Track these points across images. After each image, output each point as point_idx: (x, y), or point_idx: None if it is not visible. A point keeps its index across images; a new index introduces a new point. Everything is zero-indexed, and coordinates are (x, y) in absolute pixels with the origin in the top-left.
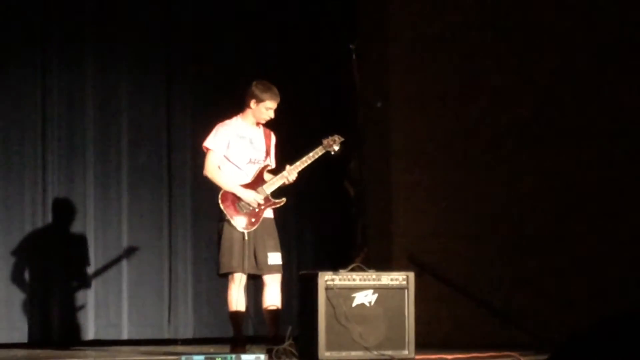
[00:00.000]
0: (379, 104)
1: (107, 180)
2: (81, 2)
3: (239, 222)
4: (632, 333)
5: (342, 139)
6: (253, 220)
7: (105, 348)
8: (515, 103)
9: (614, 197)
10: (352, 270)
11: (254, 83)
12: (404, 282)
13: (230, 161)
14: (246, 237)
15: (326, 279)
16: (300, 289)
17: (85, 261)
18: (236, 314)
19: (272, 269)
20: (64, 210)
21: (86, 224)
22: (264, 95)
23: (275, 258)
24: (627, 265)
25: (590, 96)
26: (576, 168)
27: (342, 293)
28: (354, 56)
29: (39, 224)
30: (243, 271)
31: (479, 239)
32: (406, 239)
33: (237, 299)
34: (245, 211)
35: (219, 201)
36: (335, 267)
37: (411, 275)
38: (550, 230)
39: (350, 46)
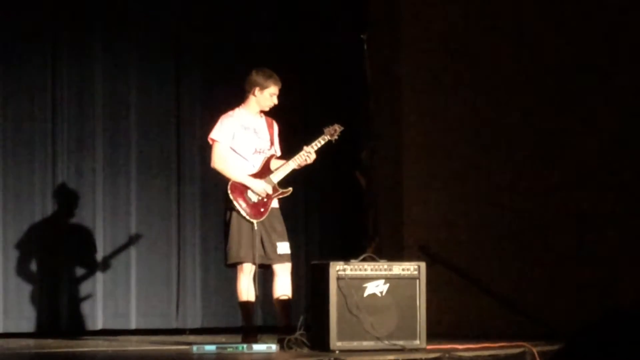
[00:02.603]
0: (362, 36)
1: (116, 171)
2: None
3: (248, 212)
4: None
5: (342, 128)
6: (262, 210)
7: (115, 338)
8: (528, 93)
9: (625, 185)
10: (364, 260)
11: (254, 71)
12: (416, 272)
13: (236, 152)
14: (255, 227)
15: (337, 269)
16: (311, 279)
17: (93, 252)
18: (246, 304)
19: (281, 259)
20: (73, 201)
21: (95, 215)
22: (267, 82)
23: (284, 247)
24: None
25: (599, 90)
26: (589, 157)
27: (354, 283)
28: (365, 46)
29: (49, 214)
30: (252, 261)
31: (490, 229)
32: (417, 229)
33: (247, 289)
34: (254, 201)
35: (228, 191)
36: (346, 257)
37: (422, 265)
38: (563, 221)
39: (362, 36)
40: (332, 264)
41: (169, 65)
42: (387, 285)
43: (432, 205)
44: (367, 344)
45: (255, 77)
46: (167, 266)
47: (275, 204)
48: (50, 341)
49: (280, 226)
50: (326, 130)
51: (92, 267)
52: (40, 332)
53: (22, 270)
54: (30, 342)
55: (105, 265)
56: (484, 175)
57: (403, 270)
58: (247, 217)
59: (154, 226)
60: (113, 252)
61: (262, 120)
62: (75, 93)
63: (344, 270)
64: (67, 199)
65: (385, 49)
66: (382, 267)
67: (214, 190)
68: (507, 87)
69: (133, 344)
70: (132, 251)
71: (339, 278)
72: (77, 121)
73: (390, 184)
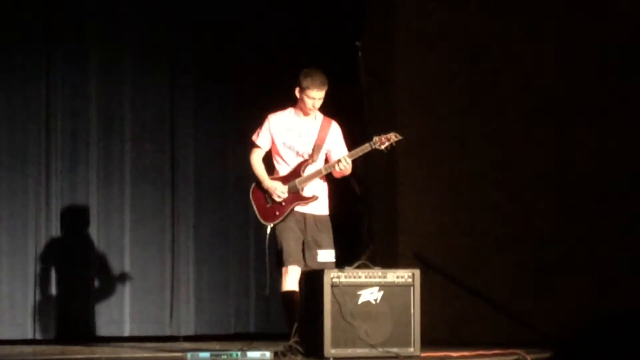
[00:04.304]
0: (357, 43)
1: (110, 178)
2: (84, 3)
3: (261, 215)
4: (634, 332)
5: (400, 138)
6: (277, 213)
7: (110, 344)
8: (524, 99)
9: (619, 194)
10: (358, 267)
11: (303, 70)
12: (410, 280)
13: (279, 154)
14: (268, 230)
15: (332, 276)
16: (305, 286)
17: (87, 258)
18: (290, 302)
19: (321, 267)
20: (67, 207)
21: (89, 221)
22: (305, 83)
23: (324, 255)
24: (631, 262)
25: (596, 93)
26: (583, 166)
27: (348, 290)
28: (359, 53)
29: (42, 221)
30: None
31: (484, 236)
32: (412, 236)
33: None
34: (270, 204)
35: (250, 193)
36: (341, 265)
37: (417, 272)
38: (557, 228)
39: (357, 43)
40: (326, 271)
41: (164, 71)
42: (382, 292)
43: (427, 213)
44: (361, 351)
45: (300, 77)
46: (160, 273)
47: (323, 211)
48: (44, 348)
49: (324, 234)
50: (376, 138)
51: (86, 273)
52: (34, 339)
53: (15, 277)
54: (24, 349)
55: (99, 272)
56: (478, 182)
57: (397, 277)
58: (260, 220)
59: (148, 233)
60: (107, 259)
61: (314, 122)
62: (70, 99)
63: (339, 277)
64: (61, 205)
65: (380, 56)
66: (377, 275)
67: (208, 197)
68: (502, 93)
69: (127, 351)
70: (126, 258)
71: (333, 285)
72: (71, 127)
73: (384, 191)
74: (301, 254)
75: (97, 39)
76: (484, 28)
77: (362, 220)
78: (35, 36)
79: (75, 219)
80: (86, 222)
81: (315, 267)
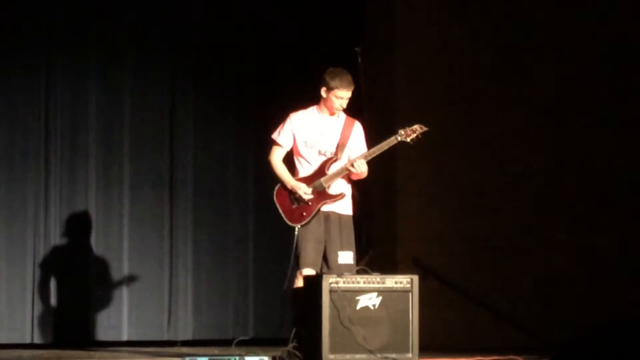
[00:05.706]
0: (357, 48)
1: (109, 183)
2: (84, 7)
3: (288, 217)
4: (627, 340)
5: (426, 129)
6: (304, 214)
7: (107, 349)
8: (522, 106)
9: (620, 200)
10: (357, 272)
11: (327, 70)
12: (408, 285)
13: (300, 154)
14: (296, 232)
15: (330, 281)
16: (304, 291)
17: (85, 262)
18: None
19: (340, 269)
20: (66, 212)
21: (88, 226)
22: (333, 83)
23: (345, 257)
24: (632, 269)
25: (598, 96)
26: (583, 171)
27: (346, 296)
28: (359, 59)
29: (41, 225)
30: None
31: (483, 242)
32: (411, 242)
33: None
34: (295, 205)
35: (274, 195)
36: None
37: (415, 278)
38: (555, 234)
39: (356, 49)
40: (325, 276)
41: (163, 76)
42: (380, 298)
43: (426, 219)
44: (359, 357)
45: (325, 76)
46: (159, 278)
47: (347, 210)
48: (42, 352)
49: (345, 235)
50: (402, 130)
51: (85, 278)
52: (32, 343)
53: (14, 281)
54: (22, 353)
55: (97, 276)
56: (477, 187)
57: (396, 283)
58: (287, 222)
59: (146, 237)
60: (105, 264)
61: (337, 121)
62: (69, 104)
63: (337, 283)
64: (59, 210)
65: (380, 61)
66: (375, 280)
67: (206, 203)
68: (500, 101)
69: (125, 356)
70: (125, 262)
71: (331, 291)
72: (70, 132)
73: (384, 197)
74: (320, 259)
75: (97, 39)
76: (484, 34)
77: (361, 225)
78: (35, 37)
79: (74, 223)
80: (85, 227)
81: (336, 268)
